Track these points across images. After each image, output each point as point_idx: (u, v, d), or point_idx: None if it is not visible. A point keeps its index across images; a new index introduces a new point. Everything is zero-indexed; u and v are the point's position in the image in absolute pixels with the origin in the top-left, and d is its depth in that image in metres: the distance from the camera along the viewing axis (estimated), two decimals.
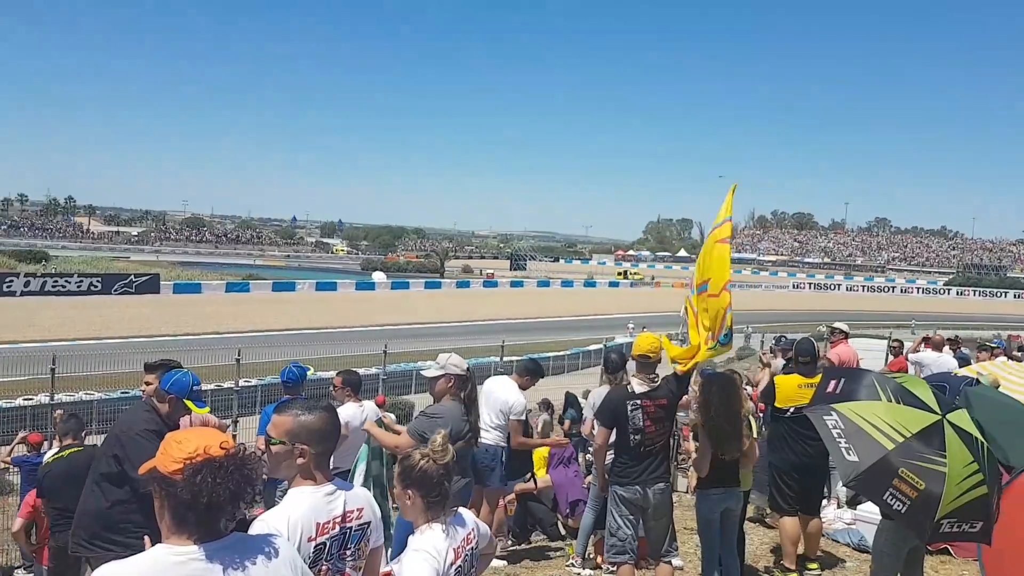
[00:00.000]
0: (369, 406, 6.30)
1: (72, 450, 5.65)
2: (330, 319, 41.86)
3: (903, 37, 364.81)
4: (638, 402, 4.87)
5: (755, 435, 5.53)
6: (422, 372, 5.08)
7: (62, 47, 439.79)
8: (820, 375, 6.27)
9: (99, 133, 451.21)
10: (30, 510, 6.32)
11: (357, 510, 2.60)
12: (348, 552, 2.56)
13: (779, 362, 7.72)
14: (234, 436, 11.36)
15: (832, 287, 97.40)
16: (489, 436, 6.32)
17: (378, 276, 78.24)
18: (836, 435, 3.98)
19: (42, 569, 6.27)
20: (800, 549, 6.12)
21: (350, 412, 6.05)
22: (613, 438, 5.05)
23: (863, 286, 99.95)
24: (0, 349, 24.32)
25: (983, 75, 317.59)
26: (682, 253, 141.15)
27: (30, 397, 15.14)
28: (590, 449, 6.42)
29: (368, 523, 2.64)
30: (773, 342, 11.37)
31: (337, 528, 2.51)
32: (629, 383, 5.01)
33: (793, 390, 6.09)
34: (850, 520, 7.22)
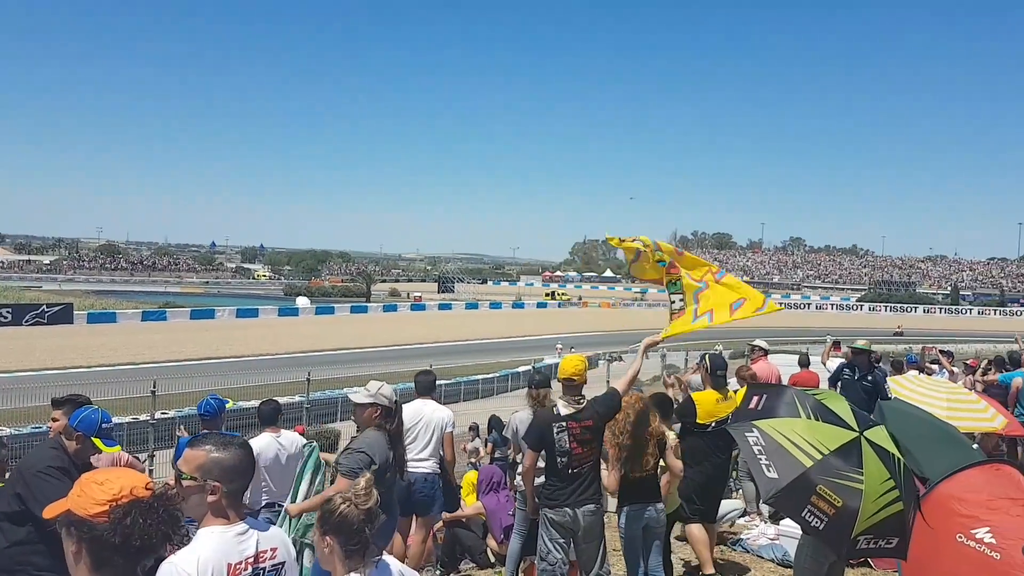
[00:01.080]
0: (288, 436, 6.11)
1: None
2: (252, 346, 40.94)
3: (814, 60, 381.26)
4: (564, 424, 4.86)
5: (671, 453, 5.58)
6: (350, 396, 4.96)
7: None
8: (734, 390, 6.50)
9: (7, 158, 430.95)
10: None
11: (271, 550, 2.53)
12: None
13: (696, 378, 7.86)
14: (150, 471, 10.94)
15: None
16: (426, 464, 6.19)
17: (302, 301, 76.88)
18: (757, 452, 4.01)
19: None
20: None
21: (261, 443, 5.88)
22: (542, 463, 5.03)
23: (780, 303, 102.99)
24: None
25: (890, 98, 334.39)
26: (608, 273, 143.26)
27: None
28: (519, 473, 6.38)
29: (282, 563, 2.57)
30: (697, 360, 11.59)
31: (249, 569, 2.44)
32: (555, 405, 5.01)
33: (712, 405, 6.25)
34: (774, 535, 7.35)
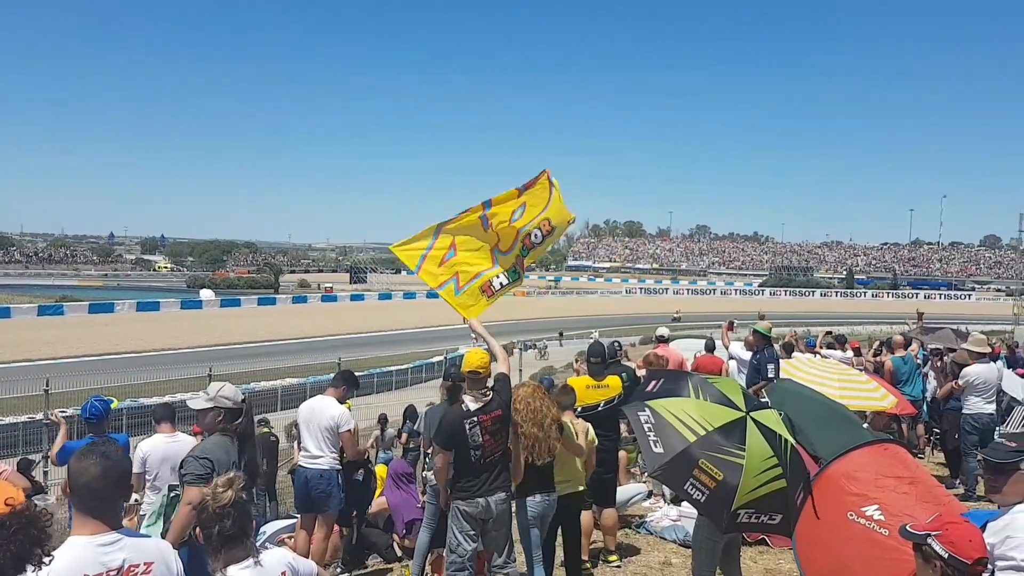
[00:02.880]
0: (184, 438, 5.93)
1: None
2: (154, 341, 39.52)
3: (715, 50, 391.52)
4: (475, 419, 4.93)
5: (576, 439, 5.70)
6: (189, 403, 4.64)
7: None
8: (609, 376, 6.68)
9: None
10: None
11: (144, 564, 2.43)
12: None
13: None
14: (44, 473, 10.42)
15: (661, 291, 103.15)
16: (322, 460, 6.20)
17: (206, 294, 74.59)
18: (647, 429, 4.19)
19: None
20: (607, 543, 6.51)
21: (149, 445, 5.74)
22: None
23: (688, 289, 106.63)
24: None
25: (789, 87, 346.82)
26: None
27: None
28: (427, 467, 6.41)
29: None
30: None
31: None
32: (463, 401, 5.06)
33: (581, 391, 6.40)
34: (676, 517, 7.58)
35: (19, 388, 18.00)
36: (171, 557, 2.54)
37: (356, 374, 7.35)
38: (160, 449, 5.74)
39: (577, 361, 9.24)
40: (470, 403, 4.99)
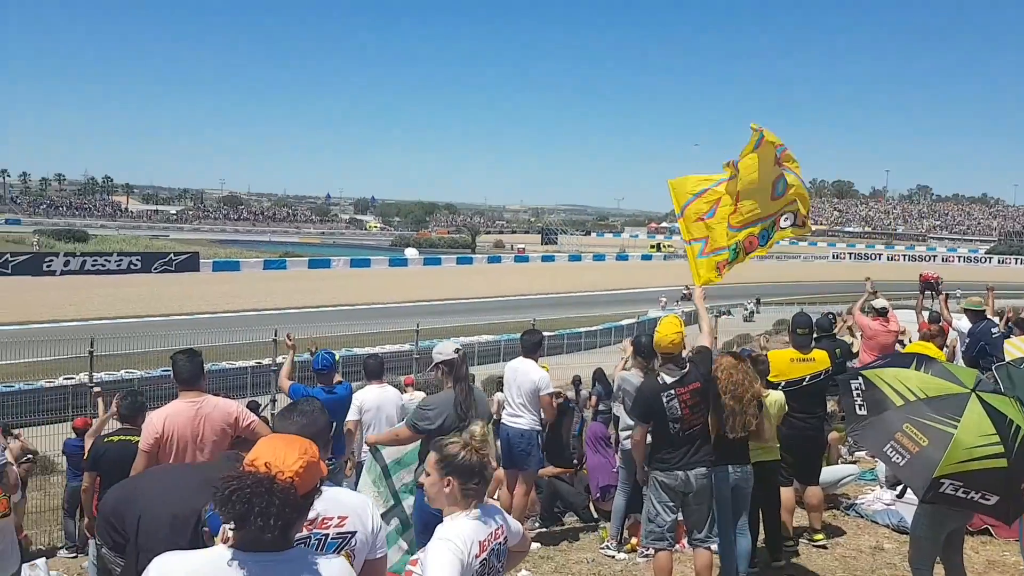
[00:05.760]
0: (392, 391, 6.36)
1: (129, 437, 5.22)
2: (365, 295, 42.27)
3: (942, 3, 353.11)
4: (672, 392, 4.85)
5: (770, 416, 5.51)
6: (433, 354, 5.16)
7: (103, 33, 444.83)
8: (816, 350, 6.33)
9: (136, 112, 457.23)
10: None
11: (339, 517, 2.49)
12: None
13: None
14: (272, 415, 11.51)
15: (873, 256, 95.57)
16: (522, 420, 6.39)
17: (410, 252, 78.54)
18: (856, 396, 4.09)
19: (92, 547, 6.28)
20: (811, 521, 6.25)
21: (365, 395, 6.21)
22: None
23: (904, 255, 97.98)
24: (40, 329, 24.90)
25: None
26: None
27: (71, 376, 15.35)
28: (621, 430, 6.38)
29: (352, 533, 2.51)
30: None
31: (306, 531, 2.40)
32: (659, 374, 4.96)
33: (785, 364, 6.12)
34: (889, 501, 7.11)
35: (249, 335, 19.84)
36: (368, 513, 2.57)
37: (546, 334, 7.51)
38: (374, 399, 6.17)
39: (764, 337, 8.72)
40: (666, 375, 4.91)
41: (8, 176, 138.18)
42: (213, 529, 3.13)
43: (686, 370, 4.91)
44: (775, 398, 5.72)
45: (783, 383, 5.98)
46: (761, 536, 5.82)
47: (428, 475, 2.70)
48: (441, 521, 2.67)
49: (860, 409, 4.03)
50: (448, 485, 2.63)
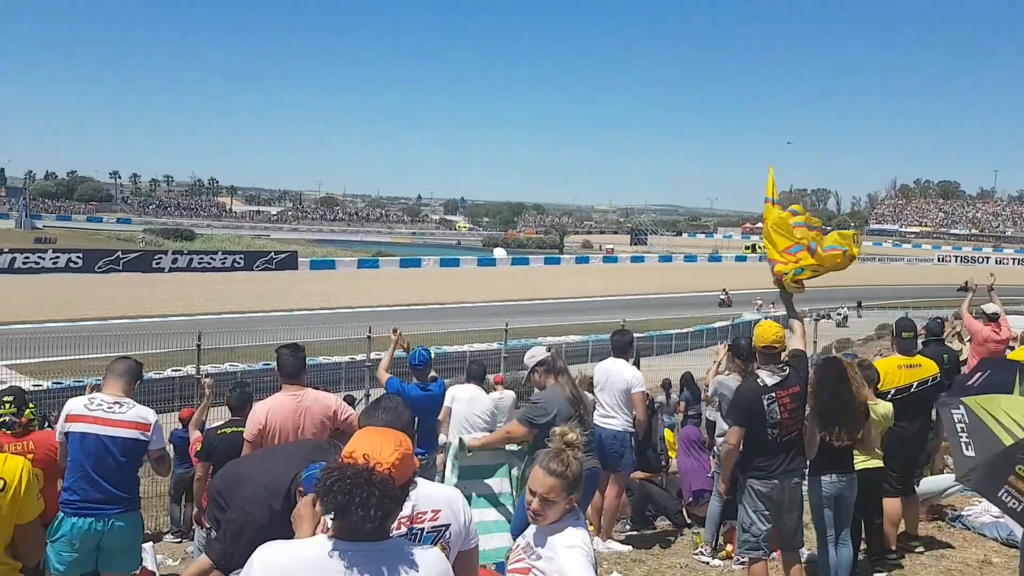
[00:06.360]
0: (485, 393, 6.50)
1: (239, 428, 5.23)
2: (454, 294, 42.80)
3: None
4: (773, 395, 4.71)
5: (876, 424, 5.35)
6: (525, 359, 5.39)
7: (202, 40, 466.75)
8: (920, 356, 6.15)
9: (241, 117, 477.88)
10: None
11: (432, 511, 2.52)
12: None
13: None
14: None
15: (980, 260, 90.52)
16: (615, 421, 6.32)
17: (499, 252, 79.08)
18: (959, 429, 3.84)
19: (198, 533, 6.54)
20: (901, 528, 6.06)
21: (459, 389, 6.45)
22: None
23: (1014, 259, 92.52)
24: (150, 323, 26.31)
25: None
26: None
27: (178, 368, 16.07)
28: (717, 436, 6.29)
29: (445, 526, 2.53)
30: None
31: (403, 528, 2.44)
32: (758, 376, 4.85)
33: (892, 370, 5.94)
34: (999, 513, 6.74)
35: (344, 332, 20.42)
36: (459, 505, 2.59)
37: (635, 335, 7.49)
38: (468, 394, 6.29)
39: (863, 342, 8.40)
40: (766, 378, 4.75)
41: (120, 178, 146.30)
42: (307, 489, 3.36)
43: (787, 373, 4.77)
44: (884, 408, 5.57)
45: (892, 390, 5.82)
46: (863, 546, 5.64)
47: (547, 499, 2.64)
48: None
49: (967, 449, 3.77)
50: (569, 504, 2.67)
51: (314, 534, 2.23)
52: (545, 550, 2.64)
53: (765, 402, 4.70)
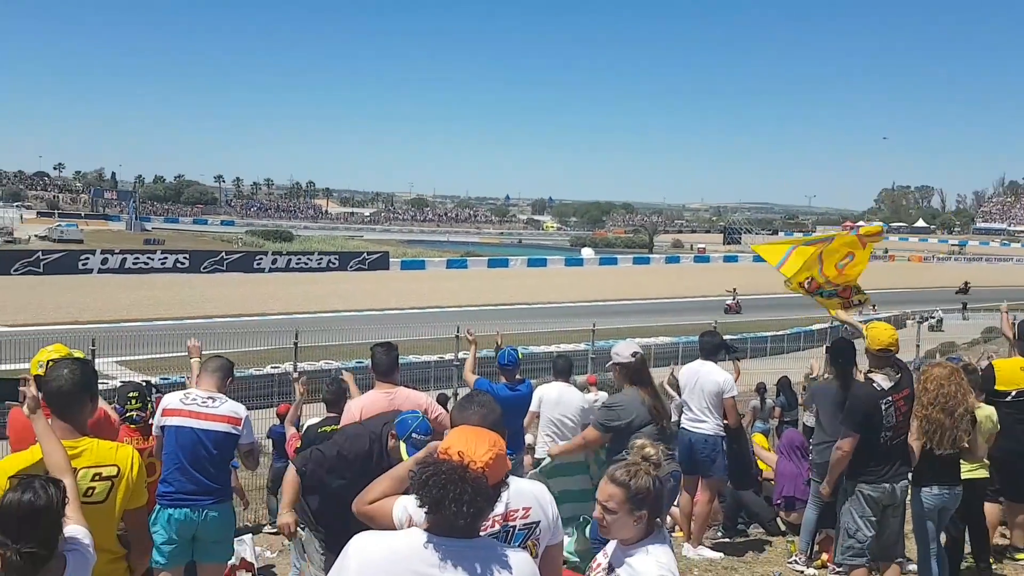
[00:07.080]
0: (573, 389, 6.43)
1: (337, 427, 5.23)
2: (542, 294, 42.83)
3: None
4: (889, 399, 4.60)
5: (983, 431, 5.19)
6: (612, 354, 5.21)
7: (299, 54, 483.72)
8: None
9: (336, 123, 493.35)
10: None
11: (523, 509, 2.52)
12: None
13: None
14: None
15: None
16: (705, 425, 6.17)
17: (586, 252, 78.71)
18: None
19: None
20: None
21: (547, 389, 6.39)
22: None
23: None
24: (251, 321, 27.30)
25: None
26: (920, 223, 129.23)
27: (277, 365, 16.52)
28: (814, 444, 6.07)
29: (536, 523, 2.55)
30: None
31: (497, 526, 2.45)
32: (872, 380, 4.67)
33: (1015, 372, 5.77)
34: None
35: (433, 331, 20.72)
36: (547, 500, 2.59)
37: (727, 338, 7.32)
38: (556, 394, 6.26)
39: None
40: (882, 381, 4.62)
41: (223, 181, 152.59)
42: (400, 433, 3.54)
43: (900, 376, 4.66)
44: (987, 412, 5.39)
45: (1014, 392, 5.68)
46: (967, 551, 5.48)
47: (607, 508, 2.60)
48: None
49: None
50: (639, 520, 2.58)
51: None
52: (622, 571, 2.60)
53: (883, 406, 4.59)
